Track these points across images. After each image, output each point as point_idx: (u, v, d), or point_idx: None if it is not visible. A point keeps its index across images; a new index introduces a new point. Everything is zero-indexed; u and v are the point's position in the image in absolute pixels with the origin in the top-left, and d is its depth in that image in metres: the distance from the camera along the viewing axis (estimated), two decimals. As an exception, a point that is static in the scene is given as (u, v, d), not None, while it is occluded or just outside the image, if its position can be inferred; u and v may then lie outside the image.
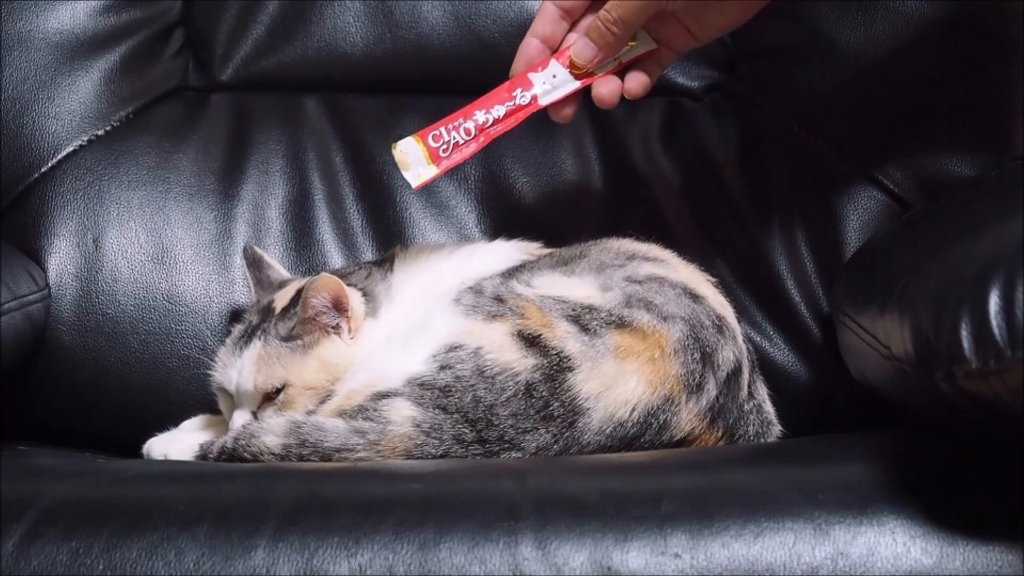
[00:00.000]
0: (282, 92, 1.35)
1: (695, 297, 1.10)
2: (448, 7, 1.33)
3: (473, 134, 1.12)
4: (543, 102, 1.12)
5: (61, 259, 1.25)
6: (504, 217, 1.29)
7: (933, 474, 0.87)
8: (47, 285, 1.24)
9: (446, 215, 1.31)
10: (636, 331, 1.04)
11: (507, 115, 1.12)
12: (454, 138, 1.12)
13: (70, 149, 1.28)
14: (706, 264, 1.19)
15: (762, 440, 1.09)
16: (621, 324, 1.05)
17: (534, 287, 1.09)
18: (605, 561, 0.80)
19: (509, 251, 1.19)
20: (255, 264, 1.21)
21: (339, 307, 1.13)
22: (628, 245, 1.16)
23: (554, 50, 1.12)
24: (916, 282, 0.91)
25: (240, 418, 1.12)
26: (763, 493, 0.85)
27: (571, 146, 1.32)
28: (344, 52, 1.34)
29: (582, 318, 1.05)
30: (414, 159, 1.12)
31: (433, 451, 1.01)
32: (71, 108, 1.29)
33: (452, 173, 1.31)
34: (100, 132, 1.29)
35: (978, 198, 1.11)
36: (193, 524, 0.82)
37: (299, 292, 1.14)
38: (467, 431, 1.01)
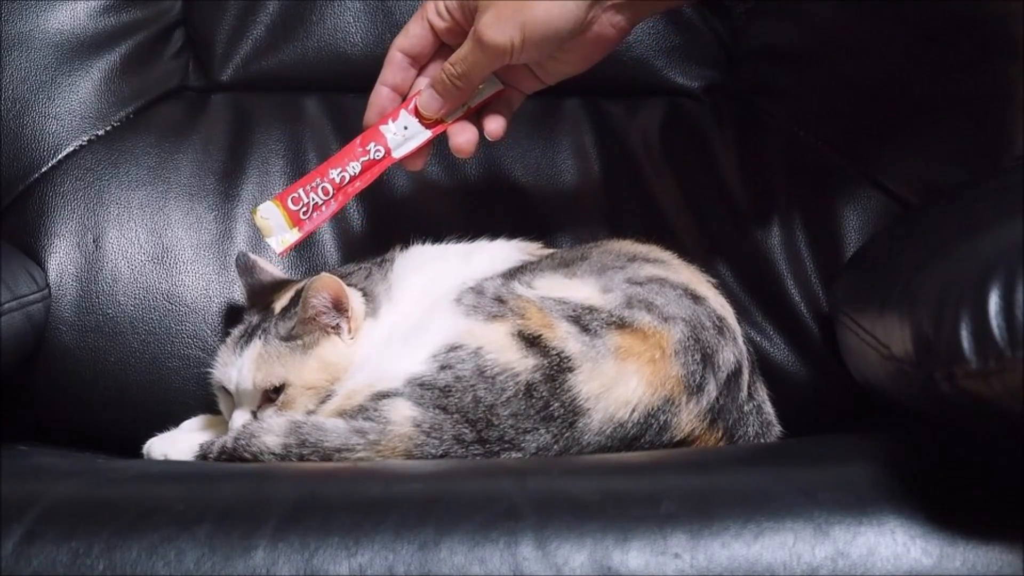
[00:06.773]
0: (282, 92, 1.35)
1: (696, 298, 1.10)
2: (448, 7, 1.33)
3: (331, 193, 1.14)
4: (397, 155, 1.14)
5: (61, 259, 1.25)
6: (504, 217, 1.29)
7: (933, 474, 0.87)
8: (47, 285, 1.24)
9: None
10: (637, 332, 1.04)
11: (363, 171, 1.14)
12: (313, 199, 1.13)
13: (70, 149, 1.28)
14: (706, 264, 1.19)
15: (762, 441, 1.09)
16: (622, 325, 1.05)
17: (535, 288, 1.09)
18: (605, 561, 0.80)
19: (510, 251, 1.19)
20: (248, 271, 1.21)
21: (339, 307, 1.12)
22: (629, 247, 1.16)
23: (404, 96, 1.14)
24: (916, 282, 0.91)
25: (240, 418, 1.12)
26: (763, 493, 0.85)
27: (571, 146, 1.32)
28: (344, 52, 1.34)
29: (583, 319, 1.05)
30: (276, 224, 1.14)
31: (433, 451, 1.01)
32: (71, 108, 1.29)
33: (453, 173, 1.31)
34: (100, 132, 1.29)
35: (978, 198, 1.11)
36: (193, 524, 0.82)
37: (299, 292, 1.14)
38: (467, 431, 1.01)
